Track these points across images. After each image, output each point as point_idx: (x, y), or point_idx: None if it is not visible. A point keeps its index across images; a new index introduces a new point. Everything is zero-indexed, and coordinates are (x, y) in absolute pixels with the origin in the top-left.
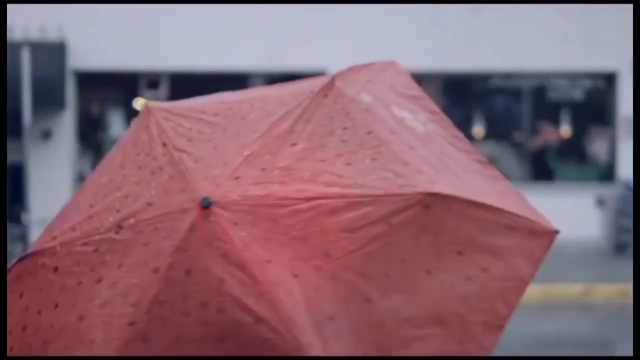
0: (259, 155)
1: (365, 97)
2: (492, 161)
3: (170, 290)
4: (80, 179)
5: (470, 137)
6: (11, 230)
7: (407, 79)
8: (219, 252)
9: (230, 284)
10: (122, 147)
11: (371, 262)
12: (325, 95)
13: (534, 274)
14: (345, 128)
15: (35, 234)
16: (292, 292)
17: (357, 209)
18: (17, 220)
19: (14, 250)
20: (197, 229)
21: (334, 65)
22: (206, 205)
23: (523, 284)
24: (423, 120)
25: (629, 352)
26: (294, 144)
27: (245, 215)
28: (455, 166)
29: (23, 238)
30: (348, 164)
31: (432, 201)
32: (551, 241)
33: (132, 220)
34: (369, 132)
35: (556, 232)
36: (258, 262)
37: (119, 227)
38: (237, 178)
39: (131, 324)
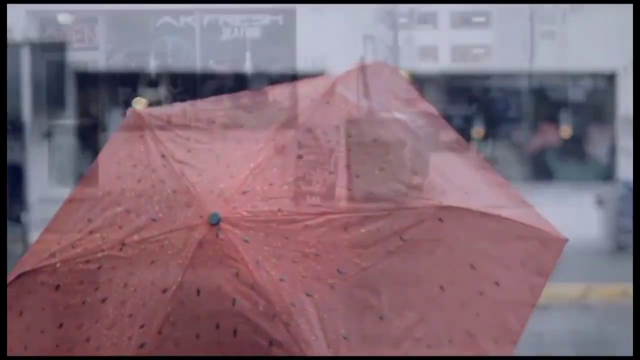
0: (265, 168)
1: (367, 102)
2: (492, 161)
3: (181, 311)
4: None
5: (470, 137)
6: (11, 230)
7: (401, 81)
8: (230, 272)
9: (242, 305)
10: (113, 157)
11: (386, 279)
12: (327, 102)
13: (544, 285)
14: (350, 136)
15: (35, 234)
16: (306, 312)
17: (370, 223)
18: (17, 220)
19: (14, 251)
20: (207, 247)
21: (334, 65)
22: (215, 221)
23: (534, 295)
24: (421, 124)
25: (629, 352)
26: (299, 156)
27: (256, 232)
28: (460, 174)
29: (23, 238)
30: (357, 176)
31: (445, 214)
32: (561, 250)
33: (136, 237)
34: (375, 139)
35: (565, 240)
36: (271, 282)
37: (122, 244)
38: (244, 193)
39: (141, 346)
